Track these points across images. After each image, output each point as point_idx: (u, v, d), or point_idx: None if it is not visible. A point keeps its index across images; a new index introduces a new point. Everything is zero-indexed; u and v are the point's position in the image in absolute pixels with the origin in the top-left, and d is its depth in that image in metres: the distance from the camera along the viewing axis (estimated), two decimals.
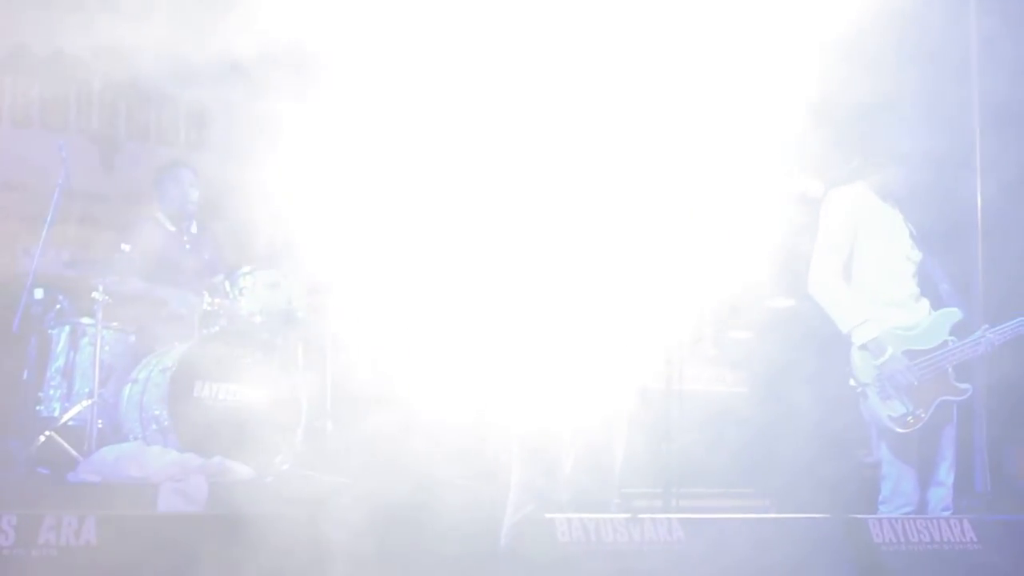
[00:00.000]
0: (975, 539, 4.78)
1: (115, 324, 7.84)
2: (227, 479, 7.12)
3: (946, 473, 6.52)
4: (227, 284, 8.03)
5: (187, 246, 8.47)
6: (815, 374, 7.60)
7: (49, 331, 7.87)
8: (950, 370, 6.48)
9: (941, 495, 6.48)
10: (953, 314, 6.57)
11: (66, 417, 7.51)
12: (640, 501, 6.85)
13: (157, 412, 7.43)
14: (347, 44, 7.79)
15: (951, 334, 6.53)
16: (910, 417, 6.35)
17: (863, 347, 6.41)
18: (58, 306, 7.90)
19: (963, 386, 6.50)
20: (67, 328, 7.83)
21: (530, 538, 4.03)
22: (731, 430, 8.27)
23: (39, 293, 7.79)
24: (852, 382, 6.50)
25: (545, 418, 4.92)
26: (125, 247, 7.87)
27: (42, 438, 7.33)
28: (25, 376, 7.75)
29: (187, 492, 6.73)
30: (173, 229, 8.48)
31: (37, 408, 7.69)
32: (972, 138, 8.90)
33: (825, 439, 8.97)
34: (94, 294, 7.61)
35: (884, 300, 6.52)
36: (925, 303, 6.65)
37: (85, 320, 7.80)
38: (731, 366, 8.66)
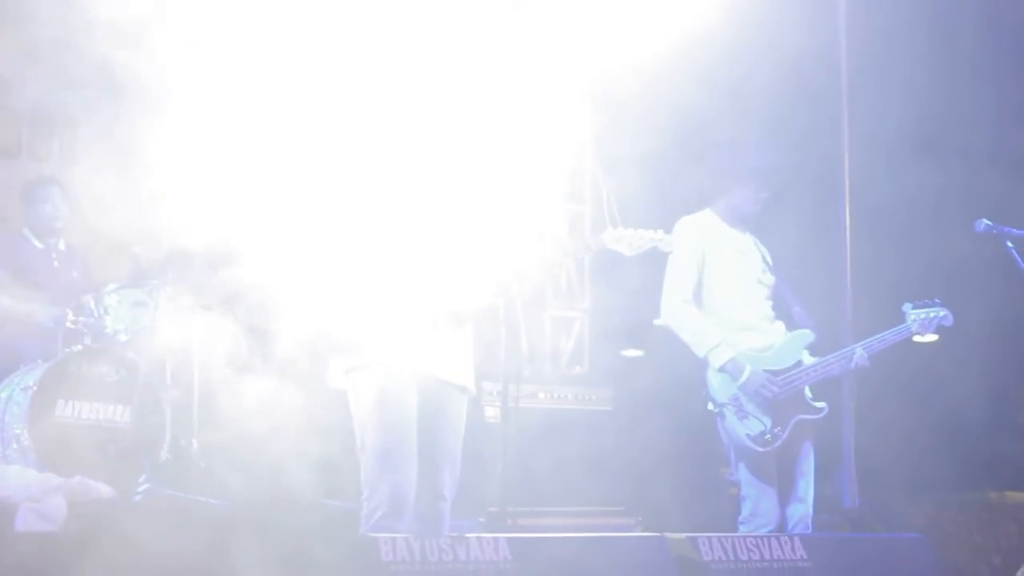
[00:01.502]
0: (805, 556, 4.85)
1: None
2: (87, 499, 7.05)
3: (805, 490, 6.61)
4: (92, 302, 7.97)
5: (55, 263, 8.40)
6: (682, 393, 7.67)
7: None
8: (806, 390, 6.59)
9: (801, 512, 6.56)
10: (805, 335, 6.67)
11: None
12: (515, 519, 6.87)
13: (17, 431, 7.35)
14: (216, 63, 7.80)
15: (805, 355, 6.63)
16: (768, 435, 6.44)
17: (721, 369, 6.48)
18: None
19: (819, 404, 6.61)
20: None
21: (354, 558, 4.03)
22: (597, 449, 8.33)
23: None
24: (710, 405, 6.58)
25: (393, 425, 4.94)
26: None
27: None
28: None
29: (45, 512, 6.65)
30: (41, 246, 8.40)
31: None
32: (838, 154, 9.05)
33: (692, 457, 9.08)
34: None
35: (736, 324, 6.62)
36: (780, 325, 6.75)
37: None
38: (597, 384, 8.72)
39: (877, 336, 6.70)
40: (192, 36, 9.60)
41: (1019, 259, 6.65)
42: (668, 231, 6.60)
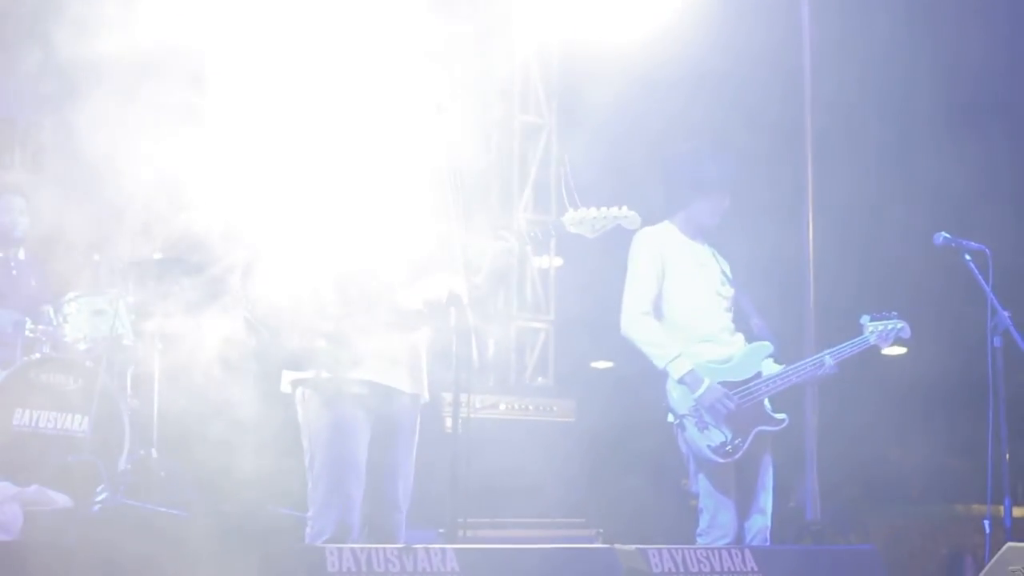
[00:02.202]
0: (756, 568, 4.84)
1: None
2: (44, 508, 7.02)
3: (764, 502, 6.60)
4: (51, 311, 7.95)
5: (13, 272, 8.36)
6: (645, 405, 7.67)
7: None
8: (766, 401, 6.58)
9: (760, 525, 6.56)
10: (765, 347, 6.68)
11: None
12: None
13: None
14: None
15: (764, 366, 6.63)
16: (729, 447, 6.44)
17: (680, 381, 6.48)
18: None
19: (779, 416, 6.60)
20: None
21: (299, 568, 4.01)
22: (558, 460, 8.33)
23: None
24: (670, 416, 6.57)
25: (343, 448, 4.89)
26: None
27: None
28: None
29: (2, 521, 6.64)
30: (0, 255, 8.37)
31: None
32: (800, 165, 9.09)
33: (653, 469, 9.09)
34: None
35: (696, 336, 6.61)
36: (740, 337, 6.75)
37: None
38: (560, 396, 8.71)
39: (836, 348, 6.70)
40: (157, 40, 9.62)
41: (976, 272, 6.68)
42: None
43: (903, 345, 6.85)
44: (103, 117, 9.44)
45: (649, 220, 6.77)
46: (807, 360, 6.68)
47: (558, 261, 11.28)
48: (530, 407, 8.46)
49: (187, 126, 9.16)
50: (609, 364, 11.71)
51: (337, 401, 4.85)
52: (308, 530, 4.88)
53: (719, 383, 6.48)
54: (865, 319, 6.76)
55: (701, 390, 6.44)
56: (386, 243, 4.95)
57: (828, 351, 6.70)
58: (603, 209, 5.20)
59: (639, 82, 10.05)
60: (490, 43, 11.12)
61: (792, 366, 6.64)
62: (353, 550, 4.10)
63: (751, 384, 6.56)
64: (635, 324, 6.61)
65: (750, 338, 6.76)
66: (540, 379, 10.69)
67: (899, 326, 6.75)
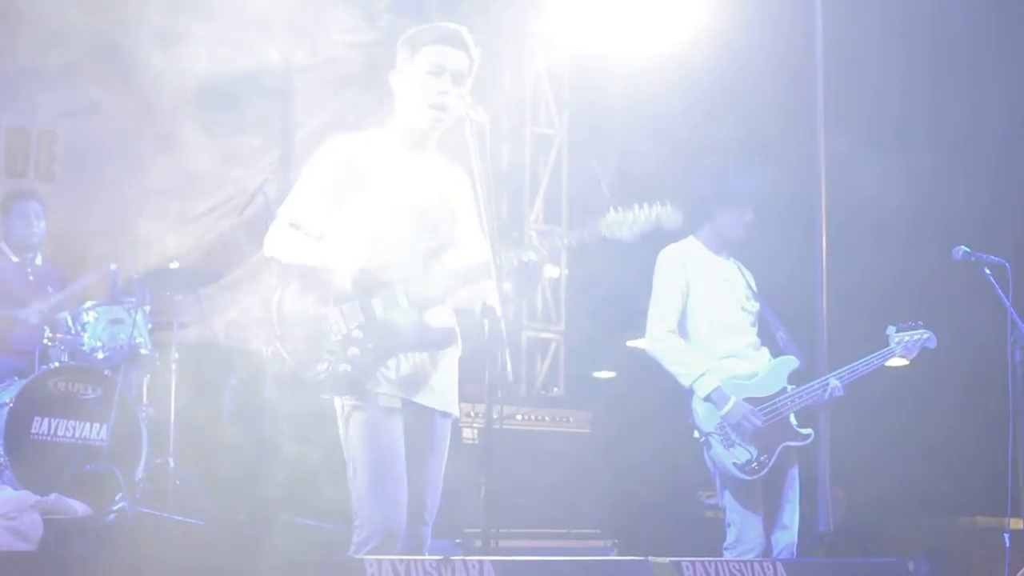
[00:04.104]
0: None
1: None
2: (63, 517, 7.02)
3: (790, 517, 6.56)
4: (69, 319, 7.95)
5: (30, 277, 8.38)
6: (660, 416, 7.69)
7: None
8: (792, 416, 6.54)
9: (786, 539, 6.53)
10: (790, 362, 6.63)
11: None
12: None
13: None
14: None
15: (789, 381, 6.61)
16: (755, 464, 6.41)
17: (707, 398, 6.46)
18: None
19: (805, 431, 6.54)
20: None
21: None
22: (574, 471, 8.34)
23: None
24: (696, 433, 6.55)
25: (385, 460, 4.88)
26: None
27: None
28: None
29: (21, 530, 6.62)
30: (16, 260, 8.39)
31: None
32: (814, 177, 9.11)
33: (669, 480, 9.10)
34: None
35: (720, 352, 6.57)
36: (765, 352, 6.71)
37: None
38: (574, 406, 8.73)
39: (862, 360, 6.67)
40: (166, 50, 9.66)
41: (997, 286, 6.69)
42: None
43: (923, 356, 6.79)
44: (118, 127, 9.54)
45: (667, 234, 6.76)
46: (822, 378, 6.65)
47: (567, 271, 11.31)
48: (546, 418, 8.49)
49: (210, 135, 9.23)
50: (612, 375, 11.70)
51: (375, 412, 4.85)
52: (355, 538, 4.85)
53: (745, 399, 6.47)
54: (891, 329, 6.72)
55: (728, 407, 6.41)
56: (419, 254, 4.95)
57: (847, 367, 6.68)
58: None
59: (650, 94, 10.10)
60: (502, 54, 11.18)
61: (816, 381, 6.62)
62: (392, 561, 4.11)
63: (776, 400, 6.52)
64: (660, 343, 6.58)
65: (775, 352, 6.74)
66: (554, 389, 10.71)
67: (925, 336, 6.70)
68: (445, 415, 5.06)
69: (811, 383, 6.60)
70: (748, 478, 6.40)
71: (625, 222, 4.95)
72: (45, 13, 9.30)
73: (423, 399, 4.94)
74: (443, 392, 5.04)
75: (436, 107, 4.91)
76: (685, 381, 6.48)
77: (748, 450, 6.41)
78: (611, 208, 4.98)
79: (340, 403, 4.88)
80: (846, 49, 9.33)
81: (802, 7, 9.16)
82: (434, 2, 10.49)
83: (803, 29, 9.21)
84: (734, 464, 6.40)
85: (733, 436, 6.42)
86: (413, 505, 4.92)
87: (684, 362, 6.51)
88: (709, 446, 6.48)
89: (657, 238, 6.52)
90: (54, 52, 9.31)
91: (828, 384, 6.59)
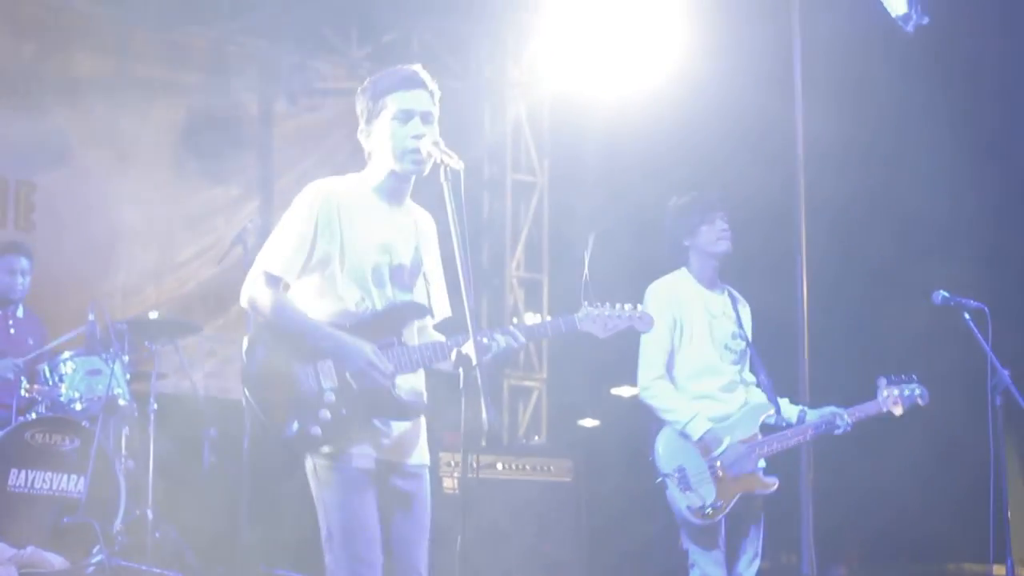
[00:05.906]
0: None
1: None
2: (40, 570, 6.97)
3: (746, 567, 6.52)
4: (47, 370, 7.91)
5: (11, 330, 8.33)
6: (643, 464, 7.65)
7: None
8: (760, 463, 6.48)
9: None
10: (764, 407, 6.57)
11: None
12: None
13: None
14: None
15: (762, 428, 6.55)
16: (709, 509, 6.34)
17: (700, 440, 6.40)
18: None
19: (770, 479, 6.47)
20: None
21: None
22: (555, 520, 8.30)
23: None
24: (657, 477, 6.49)
25: (360, 527, 4.83)
26: None
27: None
28: None
29: None
30: None
31: None
32: (793, 223, 9.10)
33: (651, 529, 9.05)
34: None
35: (693, 393, 6.52)
36: (740, 393, 6.65)
37: None
38: (556, 455, 8.69)
39: (848, 409, 6.61)
40: (146, 99, 9.68)
41: (976, 331, 6.67)
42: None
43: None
44: (97, 176, 9.54)
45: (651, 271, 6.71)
46: (800, 426, 6.58)
47: (549, 319, 11.26)
48: (527, 467, 8.44)
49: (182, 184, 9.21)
50: (596, 423, 11.68)
51: (346, 471, 4.79)
52: None
53: None
54: (882, 381, 6.65)
55: (722, 448, 6.38)
56: (396, 317, 4.91)
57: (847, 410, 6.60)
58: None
59: (631, 137, 10.13)
60: (482, 102, 11.21)
61: (790, 429, 6.55)
62: None
63: (753, 444, 6.48)
64: (650, 390, 6.53)
65: (757, 393, 6.68)
66: (536, 438, 10.67)
67: (917, 391, 6.64)
68: (419, 467, 5.01)
69: (783, 431, 6.53)
70: (700, 523, 6.36)
71: (599, 319, 5.02)
72: (21, 60, 9.35)
73: (394, 456, 4.89)
74: (415, 446, 4.99)
75: (411, 152, 4.87)
76: (678, 426, 6.44)
77: (701, 496, 6.36)
78: (585, 303, 5.02)
79: (312, 462, 4.82)
80: (827, 84, 9.34)
81: (783, 44, 9.19)
82: (414, 51, 10.55)
83: (781, 67, 9.22)
84: (688, 507, 6.35)
85: (691, 479, 6.37)
86: (405, 561, 4.86)
87: (673, 408, 6.47)
88: (666, 487, 6.44)
89: (642, 281, 6.59)
90: (31, 101, 9.34)
91: (841, 419, 6.52)
